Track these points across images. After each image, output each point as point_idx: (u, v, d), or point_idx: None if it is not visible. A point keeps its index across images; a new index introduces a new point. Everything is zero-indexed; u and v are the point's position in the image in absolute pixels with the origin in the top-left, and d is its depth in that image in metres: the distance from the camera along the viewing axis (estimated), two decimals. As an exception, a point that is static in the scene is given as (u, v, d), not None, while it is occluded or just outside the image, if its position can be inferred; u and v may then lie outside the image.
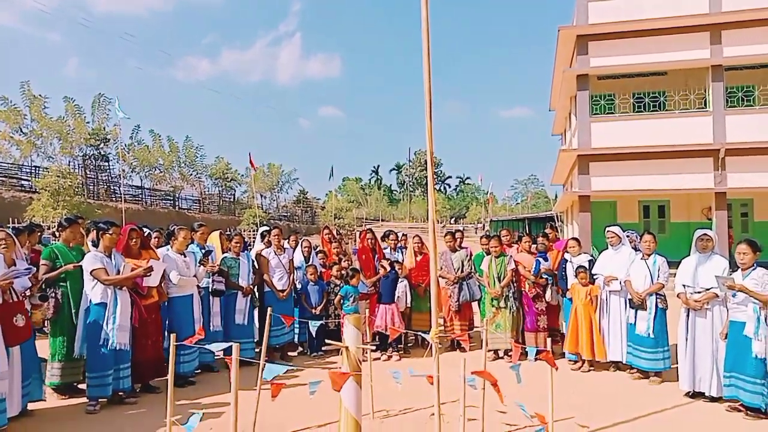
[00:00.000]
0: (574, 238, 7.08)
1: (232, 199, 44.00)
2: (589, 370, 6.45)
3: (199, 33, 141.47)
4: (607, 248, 6.67)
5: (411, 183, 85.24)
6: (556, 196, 39.04)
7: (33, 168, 27.52)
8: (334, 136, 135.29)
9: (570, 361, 6.64)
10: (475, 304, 7.84)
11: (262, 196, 46.08)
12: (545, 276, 7.05)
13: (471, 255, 7.92)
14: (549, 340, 5.12)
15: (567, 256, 7.00)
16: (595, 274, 6.63)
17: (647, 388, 5.82)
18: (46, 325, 5.58)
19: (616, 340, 6.33)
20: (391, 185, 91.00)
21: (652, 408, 5.11)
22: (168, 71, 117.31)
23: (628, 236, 6.70)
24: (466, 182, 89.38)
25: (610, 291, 6.41)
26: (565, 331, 6.97)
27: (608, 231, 6.65)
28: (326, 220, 46.43)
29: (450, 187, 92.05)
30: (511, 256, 7.24)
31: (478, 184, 77.91)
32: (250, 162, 20.53)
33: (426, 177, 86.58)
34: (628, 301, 6.15)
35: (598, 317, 6.48)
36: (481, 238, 7.85)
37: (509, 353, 6.96)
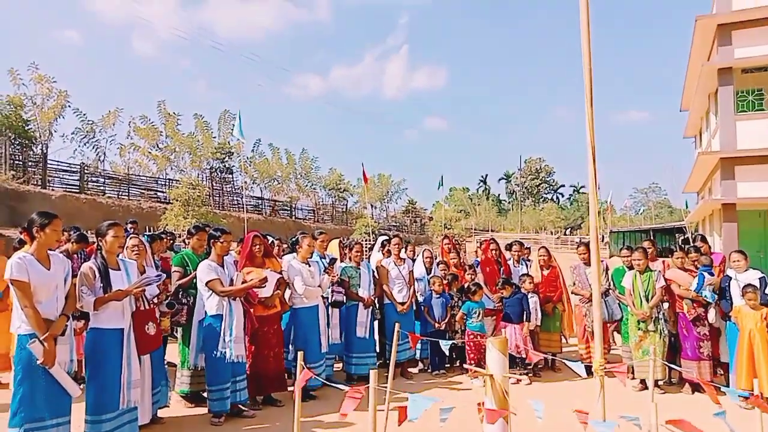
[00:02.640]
0: (739, 251, 6.04)
1: (344, 209, 45.02)
2: (752, 408, 5.42)
3: (310, 51, 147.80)
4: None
5: (521, 192, 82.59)
6: (686, 205, 35.62)
7: (167, 180, 29.82)
8: (440, 147, 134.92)
9: (742, 398, 5.59)
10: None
11: (372, 206, 46.70)
12: (709, 294, 6.04)
13: (608, 269, 7.10)
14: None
15: (730, 272, 6.00)
16: (771, 295, 5.60)
17: None
18: (175, 330, 5.67)
19: (803, 374, 5.26)
20: (499, 195, 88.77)
21: None
22: (284, 88, 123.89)
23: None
24: (580, 191, 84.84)
25: (793, 315, 5.37)
26: (729, 362, 5.97)
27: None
28: (435, 230, 46.06)
29: (563, 196, 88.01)
30: (659, 272, 6.36)
31: (594, 193, 73.61)
32: (363, 173, 20.61)
33: (537, 186, 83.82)
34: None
35: (776, 346, 5.45)
36: (621, 250, 6.99)
37: (658, 383, 6.09)
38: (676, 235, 33.43)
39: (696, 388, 6.11)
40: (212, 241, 5.21)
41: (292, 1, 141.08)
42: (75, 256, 6.51)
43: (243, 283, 5.15)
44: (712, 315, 6.08)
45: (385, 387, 3.38)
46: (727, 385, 5.79)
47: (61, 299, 3.82)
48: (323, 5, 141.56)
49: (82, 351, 4.64)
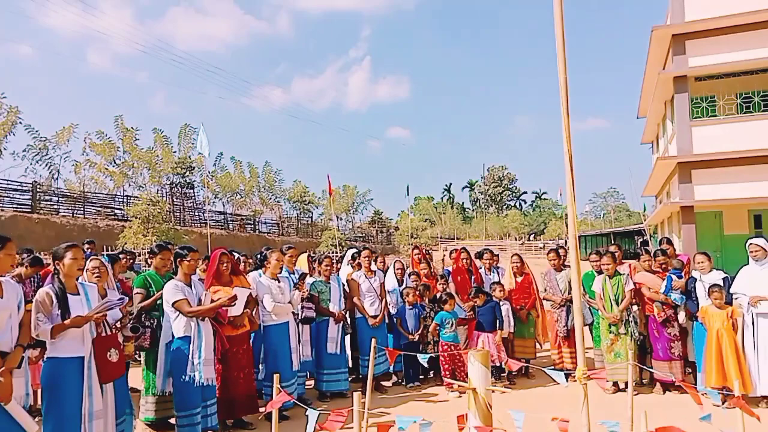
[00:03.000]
0: (703, 253, 6.16)
1: (309, 222, 44.65)
2: (733, 407, 5.51)
3: (271, 64, 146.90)
4: (749, 263, 5.76)
5: (485, 200, 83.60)
6: (644, 208, 36.63)
7: (125, 197, 28.97)
8: (404, 157, 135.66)
9: (722, 397, 5.63)
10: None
11: (338, 217, 46.48)
12: (680, 296, 6.14)
13: (578, 274, 7.15)
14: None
15: (696, 274, 6.12)
16: (735, 294, 5.72)
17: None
18: (139, 355, 5.41)
19: (768, 371, 5.38)
20: (463, 203, 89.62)
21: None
22: (246, 101, 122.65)
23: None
24: (542, 197, 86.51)
25: (757, 314, 5.49)
26: (696, 361, 6.07)
27: (751, 244, 5.73)
28: (402, 241, 46.13)
29: (526, 203, 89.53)
30: (627, 275, 6.44)
31: (555, 199, 75.16)
32: (329, 185, 20.45)
33: (500, 194, 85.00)
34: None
35: (742, 344, 5.56)
36: (590, 255, 7.05)
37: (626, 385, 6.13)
38: (635, 237, 34.37)
39: (667, 387, 6.19)
40: (179, 260, 4.97)
41: (252, 14, 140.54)
42: (28, 280, 6.18)
43: (212, 302, 4.94)
44: (682, 316, 6.18)
45: (369, 410, 3.26)
46: (695, 384, 5.87)
47: (15, 329, 3.55)
48: (284, 18, 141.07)
49: (38, 381, 4.35)
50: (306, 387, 6.53)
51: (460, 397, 6.37)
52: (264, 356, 5.78)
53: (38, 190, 24.02)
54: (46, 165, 27.22)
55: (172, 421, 5.13)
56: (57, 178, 27.72)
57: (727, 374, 5.44)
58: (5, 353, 3.43)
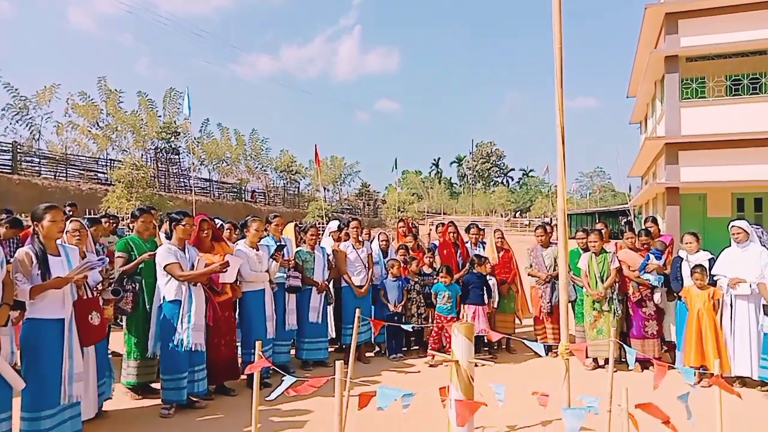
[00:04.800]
0: (691, 233, 6.19)
1: (296, 192, 44.42)
2: (710, 386, 5.63)
3: (260, 30, 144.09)
4: (730, 245, 5.81)
5: (472, 175, 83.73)
6: (629, 189, 36.90)
7: (108, 161, 28.51)
8: (393, 129, 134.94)
9: (699, 376, 5.74)
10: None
11: (325, 188, 46.29)
12: (656, 277, 6.21)
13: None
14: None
15: (682, 253, 6.17)
16: (716, 275, 5.78)
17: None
18: (120, 319, 5.36)
19: (744, 352, 5.46)
20: (451, 178, 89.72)
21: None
22: (233, 67, 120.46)
23: (757, 233, 5.79)
24: (529, 175, 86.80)
25: (736, 295, 5.56)
26: (675, 340, 6.17)
27: (733, 226, 5.76)
28: (389, 214, 46.16)
29: (513, 179, 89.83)
30: (614, 253, 6.48)
31: (542, 177, 75.43)
32: (316, 156, 20.25)
33: (488, 170, 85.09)
34: (762, 307, 5.30)
35: (720, 325, 5.65)
36: (576, 232, 7.08)
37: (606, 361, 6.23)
38: (620, 217, 34.68)
39: (645, 366, 6.30)
40: (173, 224, 4.94)
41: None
42: (6, 242, 6.06)
43: (205, 267, 4.91)
44: (657, 297, 6.25)
45: (351, 380, 3.25)
46: (673, 363, 5.98)
47: None
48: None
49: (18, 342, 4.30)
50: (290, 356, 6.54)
51: (433, 367, 6.43)
52: (239, 322, 5.78)
53: (19, 150, 23.52)
54: (27, 125, 26.65)
55: (154, 385, 5.13)
56: (38, 139, 27.20)
57: (706, 354, 5.53)
58: None
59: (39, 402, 3.69)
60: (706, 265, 5.81)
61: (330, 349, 6.87)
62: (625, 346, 5.99)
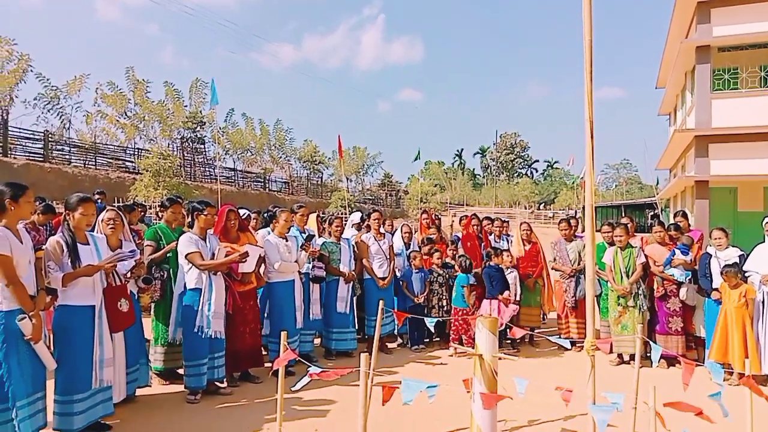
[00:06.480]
0: (720, 229, 6.04)
1: (319, 182, 44.58)
2: (738, 385, 5.52)
3: (282, 20, 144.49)
4: (764, 241, 5.67)
5: (496, 167, 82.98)
6: (657, 182, 36.15)
7: (136, 150, 28.96)
8: (416, 120, 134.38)
9: (728, 374, 5.64)
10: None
11: (347, 179, 46.37)
12: (681, 273, 6.10)
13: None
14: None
15: (711, 250, 6.03)
16: (747, 272, 5.65)
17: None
18: (151, 307, 5.47)
19: (775, 350, 5.35)
20: (474, 169, 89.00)
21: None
22: (256, 56, 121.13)
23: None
24: (554, 166, 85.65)
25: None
26: (706, 337, 6.05)
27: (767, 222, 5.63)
28: (411, 204, 46.07)
29: (537, 171, 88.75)
30: (640, 247, 6.38)
31: (567, 168, 74.34)
32: (339, 146, 20.22)
33: (512, 161, 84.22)
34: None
35: (753, 323, 5.52)
36: (602, 226, 6.97)
37: (633, 357, 6.15)
38: (646, 210, 34.05)
39: (671, 362, 6.20)
40: (196, 213, 5.02)
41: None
42: (41, 228, 6.22)
43: (225, 257, 4.98)
44: (683, 292, 6.13)
45: (374, 370, 3.27)
46: (702, 360, 5.87)
47: (33, 273, 3.65)
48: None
49: (50, 327, 4.44)
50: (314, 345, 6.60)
51: (453, 356, 6.44)
52: (269, 312, 5.84)
53: (50, 139, 24.04)
54: (58, 114, 27.17)
55: (180, 371, 5.24)
56: (68, 128, 27.71)
57: (731, 352, 5.43)
58: (33, 296, 3.55)
59: (71, 386, 3.82)
60: (737, 260, 5.67)
61: (353, 340, 6.92)
62: (651, 342, 5.94)
